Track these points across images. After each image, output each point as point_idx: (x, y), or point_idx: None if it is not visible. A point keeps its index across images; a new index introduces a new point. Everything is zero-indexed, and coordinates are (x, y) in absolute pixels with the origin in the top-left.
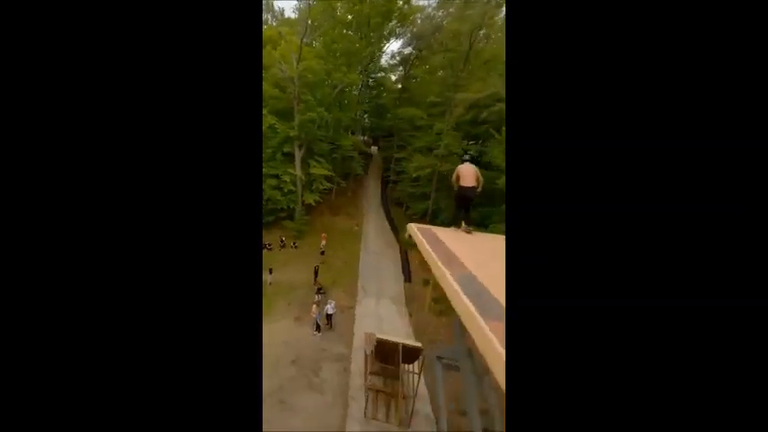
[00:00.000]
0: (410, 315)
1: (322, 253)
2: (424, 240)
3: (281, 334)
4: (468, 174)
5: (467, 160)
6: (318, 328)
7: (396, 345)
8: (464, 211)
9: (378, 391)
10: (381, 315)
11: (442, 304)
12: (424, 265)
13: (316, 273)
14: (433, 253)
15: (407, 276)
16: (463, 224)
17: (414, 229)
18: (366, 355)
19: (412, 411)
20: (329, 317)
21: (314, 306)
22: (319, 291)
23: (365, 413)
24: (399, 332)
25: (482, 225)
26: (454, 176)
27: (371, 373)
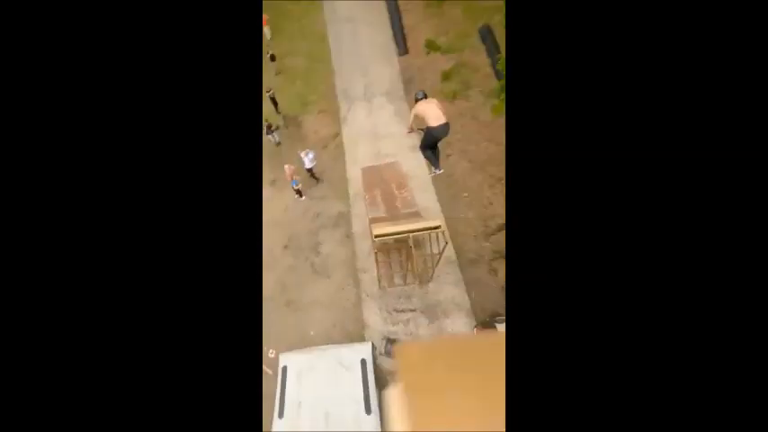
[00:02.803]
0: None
1: (272, 58)
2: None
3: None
4: (433, 110)
5: (421, 98)
6: (300, 193)
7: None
8: (432, 152)
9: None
10: (376, 129)
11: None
12: (428, 19)
13: (273, 100)
14: None
15: (402, 47)
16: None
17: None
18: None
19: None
20: (310, 171)
21: (285, 167)
22: (269, 129)
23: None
24: (402, 146)
25: None
26: (411, 120)
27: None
